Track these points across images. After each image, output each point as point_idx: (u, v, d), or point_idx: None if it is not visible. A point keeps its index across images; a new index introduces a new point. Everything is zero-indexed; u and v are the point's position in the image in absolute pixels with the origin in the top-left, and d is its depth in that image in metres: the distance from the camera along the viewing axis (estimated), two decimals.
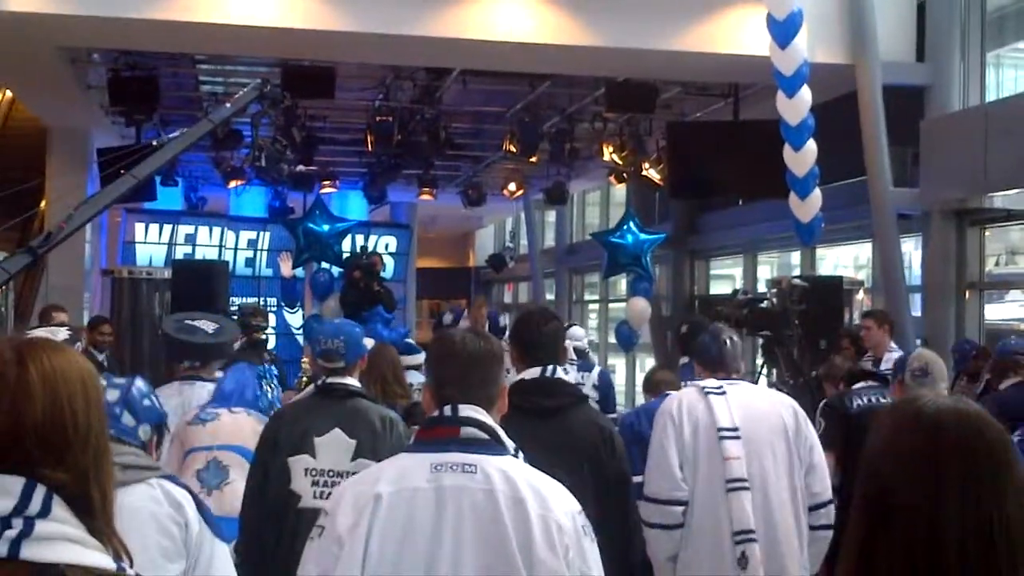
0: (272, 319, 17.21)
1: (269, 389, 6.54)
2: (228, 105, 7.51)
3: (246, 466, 5.41)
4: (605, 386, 9.05)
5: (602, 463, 4.10)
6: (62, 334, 5.76)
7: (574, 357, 8.91)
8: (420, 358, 9.64)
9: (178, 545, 3.10)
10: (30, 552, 1.54)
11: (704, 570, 4.58)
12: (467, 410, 2.91)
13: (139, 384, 3.40)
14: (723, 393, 4.67)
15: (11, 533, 1.54)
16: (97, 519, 1.61)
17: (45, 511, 1.57)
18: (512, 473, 2.85)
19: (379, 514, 2.78)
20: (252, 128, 15.35)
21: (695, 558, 4.61)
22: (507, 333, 5.46)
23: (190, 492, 3.16)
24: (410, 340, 10.70)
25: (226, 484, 5.28)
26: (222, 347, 6.30)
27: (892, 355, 7.62)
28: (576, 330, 9.79)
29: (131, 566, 1.62)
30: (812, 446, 4.72)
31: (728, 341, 4.91)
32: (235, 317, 9.93)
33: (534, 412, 4.00)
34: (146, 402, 3.37)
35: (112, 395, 3.28)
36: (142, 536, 3.05)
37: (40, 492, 1.57)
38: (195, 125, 7.31)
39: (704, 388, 4.71)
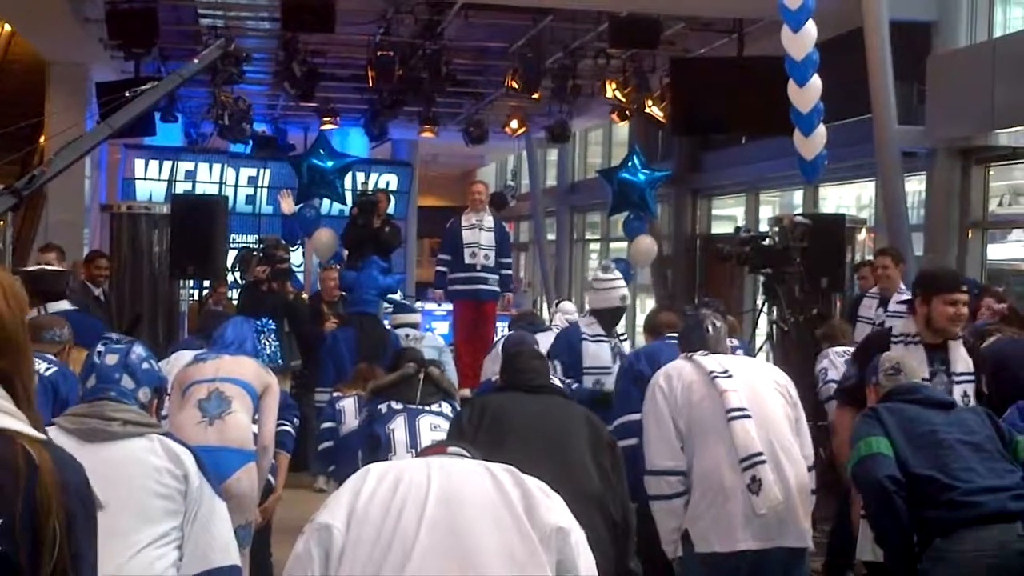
0: None
1: (267, 343, 6.55)
2: (195, 61, 7.67)
3: (247, 398, 5.42)
4: None
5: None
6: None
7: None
8: (416, 317, 9.68)
9: (174, 495, 3.12)
10: None
11: (713, 514, 4.48)
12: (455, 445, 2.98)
13: (138, 349, 3.47)
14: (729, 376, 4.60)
15: None
16: (21, 403, 1.87)
17: None
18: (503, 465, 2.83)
19: (367, 480, 2.70)
20: (213, 87, 15.15)
21: (700, 503, 4.51)
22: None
23: (191, 450, 3.21)
24: (404, 300, 10.61)
25: (228, 414, 5.29)
26: None
27: (902, 296, 7.45)
28: (567, 304, 9.83)
29: None
30: (799, 417, 4.71)
31: (711, 327, 4.86)
32: (256, 251, 9.82)
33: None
34: (145, 366, 3.44)
35: (111, 359, 3.38)
36: (133, 480, 3.09)
37: None
38: (164, 79, 7.47)
39: (711, 372, 4.60)
